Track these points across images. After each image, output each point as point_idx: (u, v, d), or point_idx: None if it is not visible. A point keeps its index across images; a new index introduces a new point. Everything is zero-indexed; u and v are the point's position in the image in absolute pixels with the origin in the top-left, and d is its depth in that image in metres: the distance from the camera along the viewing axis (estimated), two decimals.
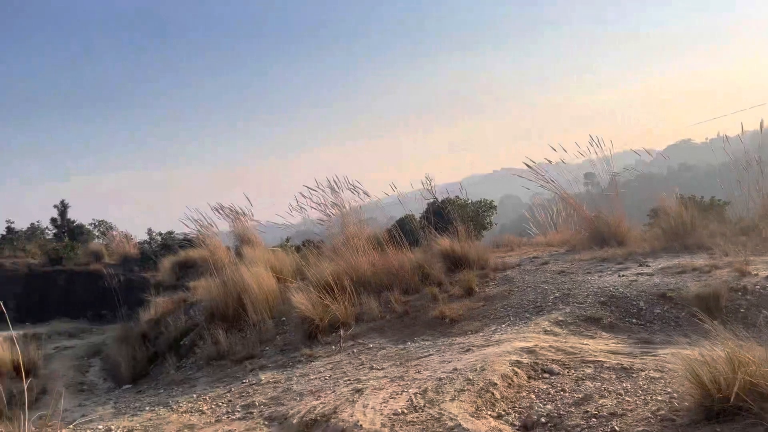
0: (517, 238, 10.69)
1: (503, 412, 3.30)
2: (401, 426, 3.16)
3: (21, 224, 22.11)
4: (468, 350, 4.68)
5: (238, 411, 4.29)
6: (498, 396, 3.51)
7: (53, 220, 22.80)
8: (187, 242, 14.32)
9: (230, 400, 4.71)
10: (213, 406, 4.62)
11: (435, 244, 8.37)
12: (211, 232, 11.31)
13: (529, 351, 4.25)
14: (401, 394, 3.74)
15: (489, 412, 3.30)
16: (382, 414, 3.38)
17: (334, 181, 8.96)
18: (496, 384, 3.64)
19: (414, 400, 3.57)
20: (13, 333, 4.98)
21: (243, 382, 5.31)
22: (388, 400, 3.65)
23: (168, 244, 18.47)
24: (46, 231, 22.48)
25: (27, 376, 6.55)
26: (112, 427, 4.48)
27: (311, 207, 9.17)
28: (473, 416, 3.19)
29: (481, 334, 5.30)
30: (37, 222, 22.57)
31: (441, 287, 7.02)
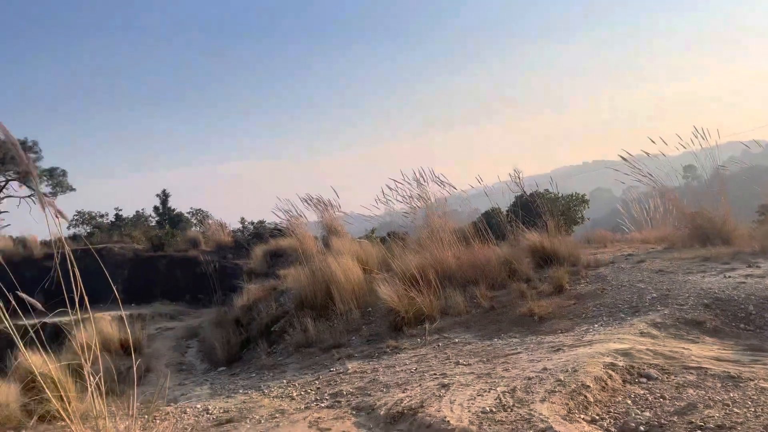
0: (610, 234, 10.25)
1: (597, 417, 3.17)
2: (489, 425, 3.11)
3: (128, 212, 23.75)
4: (558, 350, 4.54)
5: (327, 399, 4.39)
6: (591, 399, 3.38)
7: (156, 209, 24.36)
8: (278, 231, 14.85)
9: (318, 388, 4.83)
10: (302, 393, 4.77)
11: (523, 239, 8.18)
12: (299, 222, 11.64)
13: (625, 353, 4.06)
14: (489, 391, 3.69)
15: (582, 416, 3.18)
16: (469, 411, 3.35)
17: (420, 174, 8.98)
18: (588, 386, 3.50)
19: (502, 398, 3.50)
20: (123, 313, 5.35)
21: (330, 371, 5.44)
22: (475, 397, 3.60)
23: (259, 232, 19.22)
24: (150, 218, 24.03)
25: (133, 355, 7.01)
26: (210, 407, 4.73)
27: (396, 199, 9.25)
28: (565, 419, 3.08)
29: (572, 333, 5.13)
30: (142, 210, 24.18)
31: (529, 283, 6.86)
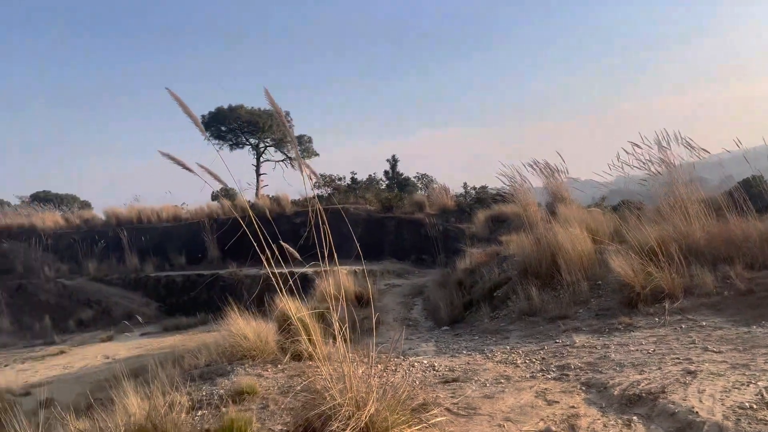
0: None
1: None
2: (750, 423, 2.70)
3: (361, 176, 25.79)
4: None
5: (553, 371, 4.26)
6: None
7: (386, 173, 26.06)
8: (500, 197, 14.75)
9: (544, 358, 4.71)
10: (526, 361, 4.70)
11: None
12: (523, 188, 11.39)
13: None
14: (747, 385, 3.21)
15: None
16: (723, 404, 2.96)
17: (663, 136, 8.08)
18: None
19: (765, 395, 3.02)
20: (362, 268, 5.83)
21: (556, 342, 5.27)
22: (729, 390, 3.17)
23: (481, 198, 19.34)
24: (380, 182, 25.79)
25: (366, 307, 7.62)
26: (435, 364, 4.92)
27: (633, 164, 8.47)
28: None
29: None
30: (374, 174, 26.06)
31: None
